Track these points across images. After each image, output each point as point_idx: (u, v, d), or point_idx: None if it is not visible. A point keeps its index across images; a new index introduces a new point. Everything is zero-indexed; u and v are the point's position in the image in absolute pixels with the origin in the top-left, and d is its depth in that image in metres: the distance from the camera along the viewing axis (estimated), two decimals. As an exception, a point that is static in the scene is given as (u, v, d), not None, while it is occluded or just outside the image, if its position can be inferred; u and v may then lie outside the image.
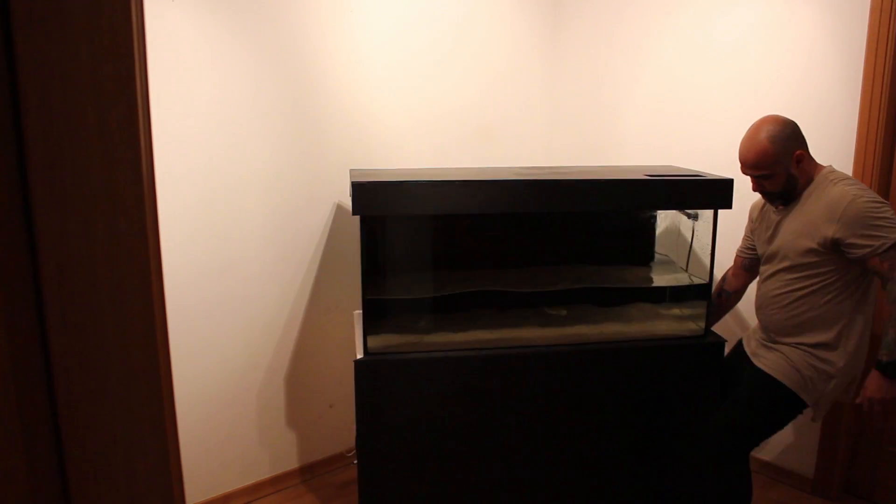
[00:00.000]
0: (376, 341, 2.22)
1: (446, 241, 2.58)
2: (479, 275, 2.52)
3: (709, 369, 2.31)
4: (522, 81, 3.34)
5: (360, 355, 2.16)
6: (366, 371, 2.16)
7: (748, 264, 2.33)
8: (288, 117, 2.55)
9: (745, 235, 2.35)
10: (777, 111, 2.68)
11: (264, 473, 2.69)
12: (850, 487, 2.69)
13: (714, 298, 2.36)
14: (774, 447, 2.81)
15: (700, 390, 2.32)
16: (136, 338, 0.51)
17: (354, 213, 2.04)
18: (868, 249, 1.89)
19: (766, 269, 2.15)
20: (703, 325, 2.33)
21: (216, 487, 2.56)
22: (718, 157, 2.87)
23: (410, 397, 2.20)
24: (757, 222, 2.23)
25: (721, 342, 2.30)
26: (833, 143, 2.53)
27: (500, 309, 2.44)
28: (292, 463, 2.76)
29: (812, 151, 2.61)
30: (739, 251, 2.37)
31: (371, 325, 2.23)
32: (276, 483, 2.72)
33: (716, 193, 2.19)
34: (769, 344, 2.13)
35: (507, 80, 3.27)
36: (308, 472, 2.81)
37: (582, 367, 2.25)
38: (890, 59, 2.34)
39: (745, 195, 2.26)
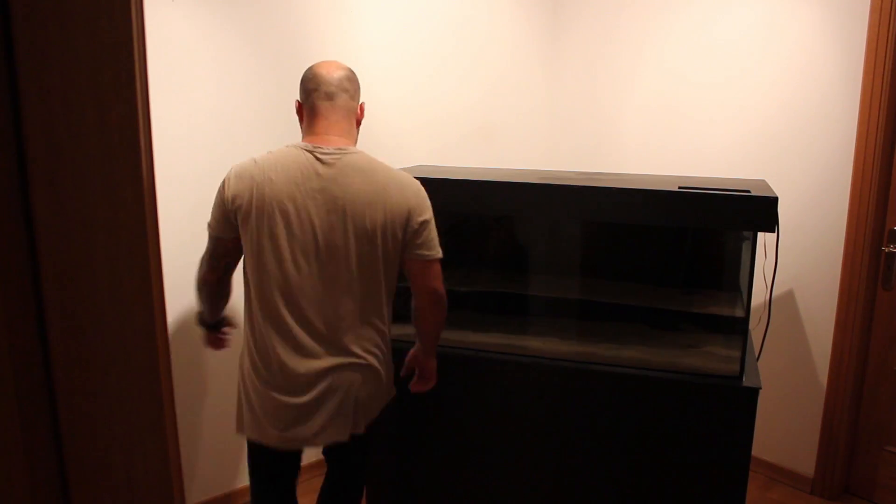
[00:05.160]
0: (394, 328, 2.28)
1: (481, 241, 2.60)
2: (517, 278, 2.50)
3: (737, 420, 1.93)
4: (523, 82, 3.34)
5: None
6: None
7: None
8: (288, 117, 2.54)
9: None
10: (777, 111, 2.68)
11: (264, 473, 2.69)
12: (850, 487, 2.69)
13: None
14: (774, 447, 2.81)
15: (722, 442, 1.96)
16: (136, 338, 0.51)
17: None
18: None
19: None
20: (736, 365, 1.96)
21: (216, 487, 2.55)
22: (718, 157, 2.87)
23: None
24: None
25: (755, 389, 1.92)
26: (833, 143, 2.53)
27: (521, 315, 2.43)
28: (292, 463, 2.76)
29: (812, 150, 2.62)
30: None
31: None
32: (276, 483, 2.71)
33: (755, 213, 1.83)
34: None
35: (508, 80, 3.27)
36: (308, 473, 2.81)
37: (597, 390, 2.06)
38: (890, 59, 2.34)
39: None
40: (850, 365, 2.57)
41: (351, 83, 1.78)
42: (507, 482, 2.22)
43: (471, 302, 2.52)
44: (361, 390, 1.76)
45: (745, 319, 1.97)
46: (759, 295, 2.58)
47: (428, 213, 1.78)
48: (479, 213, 2.49)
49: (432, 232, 1.78)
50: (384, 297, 1.80)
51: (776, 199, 1.81)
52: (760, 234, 1.89)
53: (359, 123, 1.84)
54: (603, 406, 2.07)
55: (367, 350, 1.77)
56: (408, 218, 1.73)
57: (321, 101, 1.74)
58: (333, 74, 1.75)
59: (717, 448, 1.97)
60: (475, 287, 2.47)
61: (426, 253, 1.76)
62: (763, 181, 2.24)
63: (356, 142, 1.83)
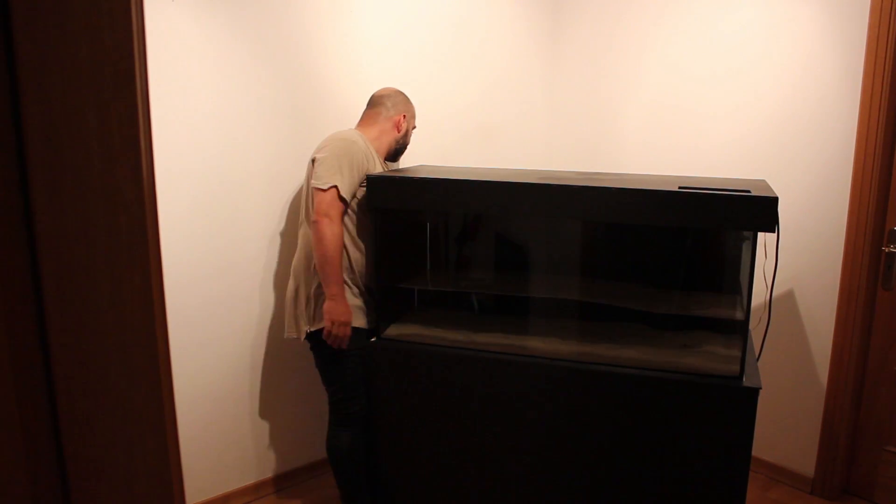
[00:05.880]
0: (390, 328, 2.33)
1: (482, 241, 2.62)
2: (517, 279, 2.50)
3: (737, 420, 1.94)
4: (522, 82, 3.34)
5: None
6: (375, 355, 2.27)
7: None
8: (288, 117, 2.55)
9: None
10: (777, 110, 2.68)
11: (264, 473, 2.69)
12: (850, 487, 2.69)
13: None
14: (774, 447, 2.81)
15: (722, 442, 1.96)
16: (136, 338, 0.51)
17: (368, 205, 2.22)
18: None
19: None
20: (737, 365, 1.96)
21: (216, 487, 2.55)
22: (718, 157, 2.87)
23: (415, 386, 2.25)
24: None
25: (755, 389, 1.92)
26: (833, 143, 2.53)
27: (520, 315, 2.43)
28: (292, 463, 2.76)
29: (812, 150, 2.62)
30: None
31: (385, 311, 2.32)
32: (276, 483, 2.71)
33: (755, 213, 1.82)
34: None
35: (508, 80, 3.27)
36: (308, 473, 2.81)
37: (597, 390, 2.07)
38: (890, 59, 2.34)
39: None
40: (850, 365, 2.57)
41: (388, 100, 2.41)
42: (507, 480, 2.22)
43: (472, 301, 2.53)
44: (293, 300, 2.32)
45: (746, 320, 1.97)
46: (759, 295, 2.58)
47: (321, 153, 2.19)
48: (479, 214, 2.50)
49: (320, 166, 2.16)
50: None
51: (776, 199, 1.81)
52: (761, 234, 1.89)
53: (397, 128, 2.41)
54: (604, 405, 2.07)
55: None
56: (312, 157, 2.24)
57: (365, 107, 2.45)
58: (378, 93, 2.44)
59: (718, 448, 1.97)
60: (476, 287, 2.47)
61: (313, 182, 2.17)
62: (763, 181, 2.23)
63: (383, 137, 2.39)
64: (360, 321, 2.27)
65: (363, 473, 2.36)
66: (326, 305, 2.16)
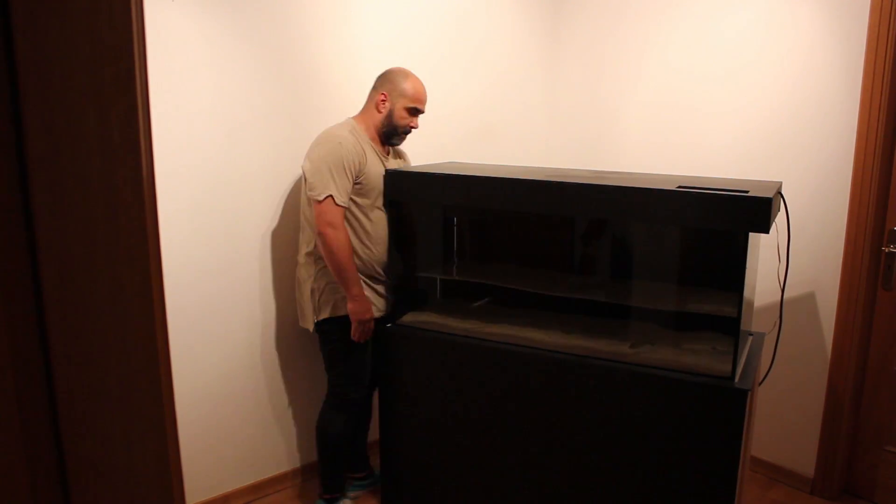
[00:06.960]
0: (406, 315, 2.42)
1: (489, 236, 2.69)
2: (518, 272, 2.53)
3: (726, 420, 1.92)
4: (522, 81, 3.34)
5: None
6: (386, 339, 2.37)
7: None
8: (287, 117, 2.55)
9: None
10: (777, 110, 2.68)
11: (264, 473, 2.69)
12: (850, 487, 2.69)
13: None
14: (774, 447, 2.81)
15: (712, 441, 1.95)
16: (136, 338, 0.51)
17: (387, 196, 2.33)
18: None
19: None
20: (729, 366, 1.96)
21: (216, 487, 2.55)
22: (717, 157, 2.87)
23: (422, 371, 2.33)
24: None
25: (744, 391, 1.90)
26: (833, 142, 2.53)
27: (522, 307, 2.47)
28: (292, 463, 2.76)
29: (812, 150, 2.62)
30: None
31: (400, 299, 2.42)
32: (276, 483, 2.71)
33: (747, 213, 1.78)
34: None
35: (508, 79, 3.27)
36: (308, 472, 2.81)
37: (594, 383, 2.08)
38: (890, 59, 2.34)
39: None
40: (850, 365, 2.57)
41: (377, 80, 2.38)
42: (501, 466, 2.26)
43: (471, 294, 2.56)
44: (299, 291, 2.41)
45: (738, 318, 1.95)
46: (772, 296, 2.58)
47: (307, 162, 2.23)
48: (479, 209, 2.54)
49: (310, 177, 2.20)
50: (308, 229, 2.32)
51: (769, 199, 1.78)
52: (773, 236, 1.87)
53: (377, 108, 2.35)
54: (600, 399, 2.09)
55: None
56: (302, 164, 2.28)
57: None
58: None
59: (708, 447, 1.97)
60: (475, 279, 2.49)
61: (308, 193, 2.22)
62: (779, 183, 2.19)
63: (369, 121, 2.37)
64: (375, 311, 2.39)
65: (344, 458, 2.49)
66: (350, 306, 2.25)
